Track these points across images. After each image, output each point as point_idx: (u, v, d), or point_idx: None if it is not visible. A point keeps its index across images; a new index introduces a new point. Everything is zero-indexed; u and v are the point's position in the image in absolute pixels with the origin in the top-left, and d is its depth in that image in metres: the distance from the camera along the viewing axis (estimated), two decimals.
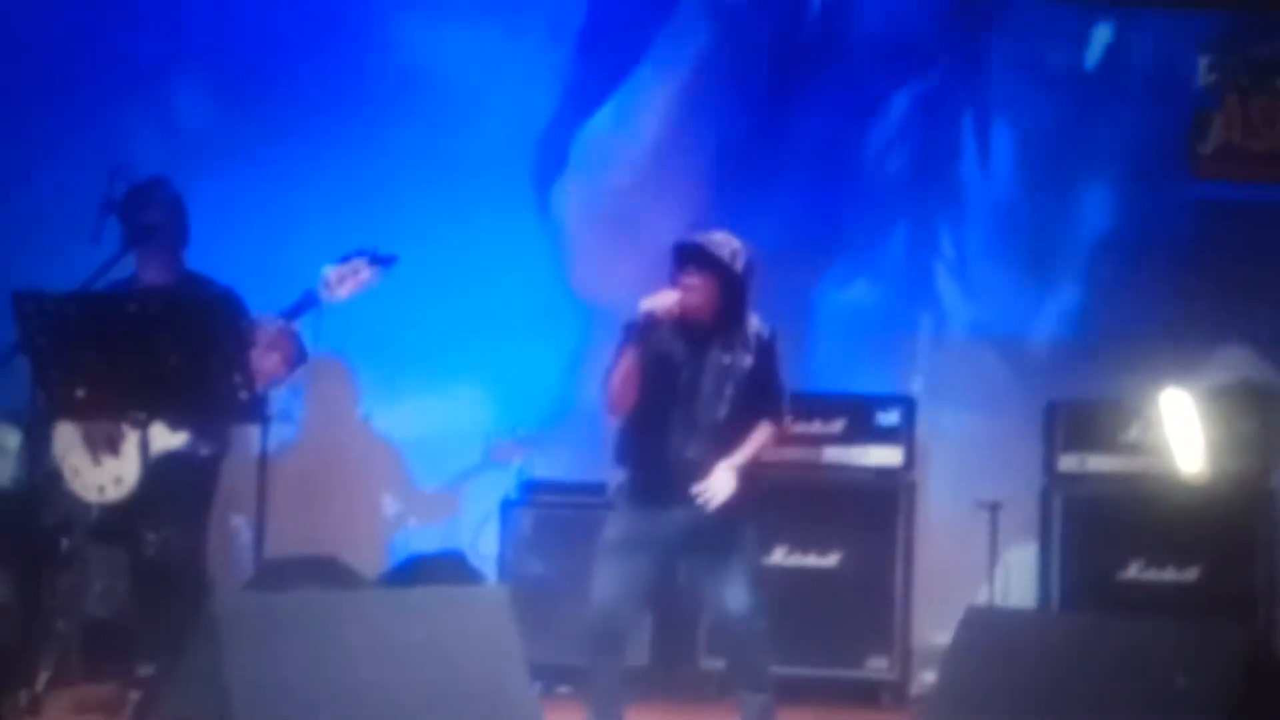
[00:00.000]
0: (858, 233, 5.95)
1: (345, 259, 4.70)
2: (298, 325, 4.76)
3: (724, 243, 4.43)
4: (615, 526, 4.47)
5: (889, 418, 5.53)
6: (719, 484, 4.36)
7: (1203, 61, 5.16)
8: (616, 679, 4.47)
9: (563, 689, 5.03)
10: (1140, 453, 5.37)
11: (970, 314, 5.98)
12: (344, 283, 4.65)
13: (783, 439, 4.63)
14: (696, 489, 4.37)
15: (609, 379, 4.43)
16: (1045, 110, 5.80)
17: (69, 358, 4.15)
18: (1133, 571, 5.31)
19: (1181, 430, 5.03)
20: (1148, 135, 5.73)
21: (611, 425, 4.64)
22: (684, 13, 5.95)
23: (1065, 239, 5.89)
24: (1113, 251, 5.81)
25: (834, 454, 5.54)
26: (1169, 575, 5.29)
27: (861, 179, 5.98)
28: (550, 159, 5.99)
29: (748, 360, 4.44)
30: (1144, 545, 5.32)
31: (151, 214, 4.82)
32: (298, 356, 4.84)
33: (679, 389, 4.42)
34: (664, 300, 4.35)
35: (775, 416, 4.50)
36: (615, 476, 4.67)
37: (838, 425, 5.55)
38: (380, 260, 4.71)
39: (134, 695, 4.22)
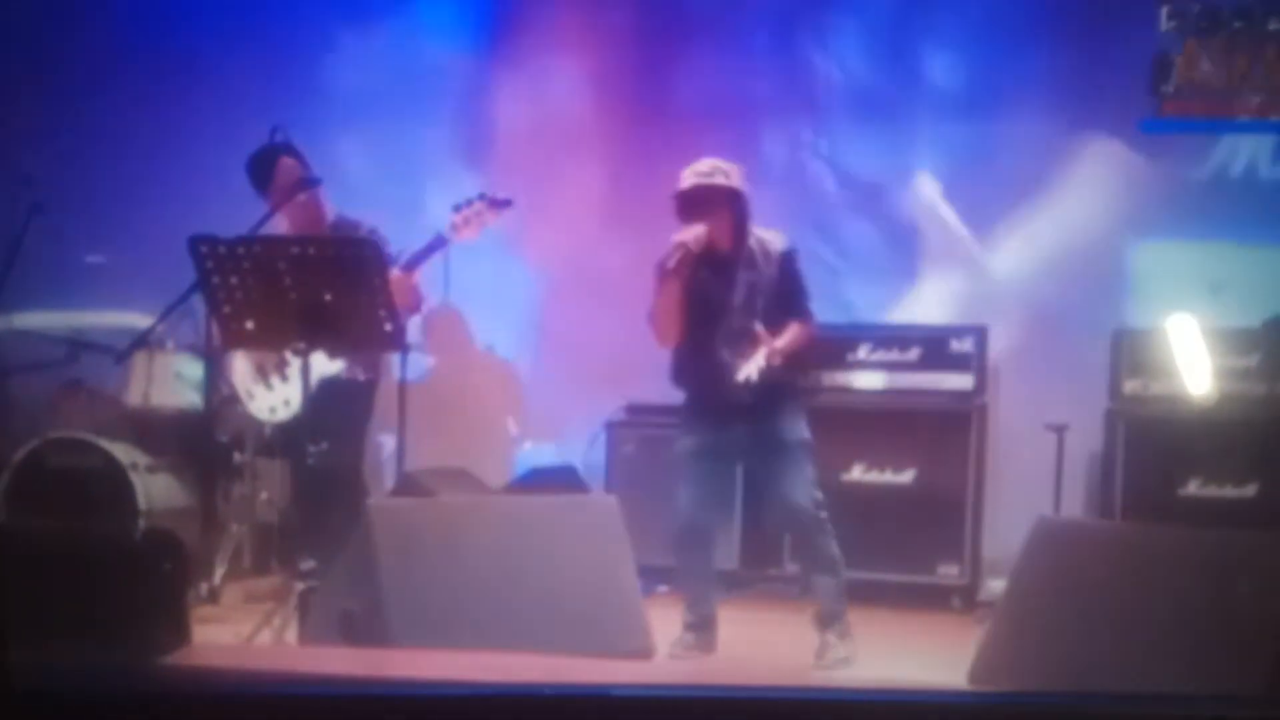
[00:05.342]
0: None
1: (467, 202, 4.73)
2: (418, 277, 4.85)
3: (712, 171, 4.50)
4: (683, 441, 4.62)
5: (962, 346, 5.64)
6: (752, 364, 4.42)
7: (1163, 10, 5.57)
8: (706, 576, 4.65)
9: (662, 588, 5.24)
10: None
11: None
12: (469, 224, 4.72)
13: (811, 340, 4.65)
14: (738, 371, 4.40)
15: (653, 316, 4.54)
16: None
17: (239, 295, 4.21)
18: (1192, 488, 5.32)
19: (1187, 354, 5.06)
20: None
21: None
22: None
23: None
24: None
25: (910, 379, 5.66)
26: (1228, 492, 5.29)
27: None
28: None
29: (771, 273, 4.54)
30: (1203, 463, 5.31)
31: (304, 169, 5.06)
32: (416, 304, 4.97)
33: (715, 309, 4.52)
34: (693, 232, 4.44)
35: (803, 317, 4.59)
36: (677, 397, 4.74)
37: (914, 353, 5.68)
38: (498, 203, 4.76)
39: (298, 586, 4.25)
